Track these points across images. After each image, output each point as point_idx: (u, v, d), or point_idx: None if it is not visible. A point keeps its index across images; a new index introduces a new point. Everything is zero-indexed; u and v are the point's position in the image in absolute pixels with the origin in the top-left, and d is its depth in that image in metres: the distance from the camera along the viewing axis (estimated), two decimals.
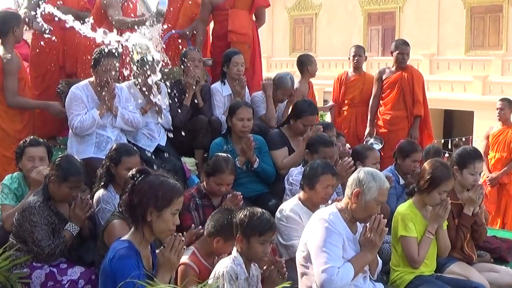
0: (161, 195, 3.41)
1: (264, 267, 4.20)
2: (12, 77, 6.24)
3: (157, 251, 3.67)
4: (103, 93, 5.74)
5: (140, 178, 3.48)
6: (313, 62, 8.43)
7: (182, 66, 6.79)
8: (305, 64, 8.36)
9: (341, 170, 5.42)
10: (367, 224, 4.19)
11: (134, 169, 3.62)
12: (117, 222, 4.36)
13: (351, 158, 5.68)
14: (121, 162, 4.92)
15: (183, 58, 6.79)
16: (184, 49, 7.07)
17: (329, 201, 4.95)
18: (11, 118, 6.35)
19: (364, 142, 8.18)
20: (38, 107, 6.65)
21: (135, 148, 5.22)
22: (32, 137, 5.32)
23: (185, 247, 3.60)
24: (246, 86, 7.12)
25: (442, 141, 20.35)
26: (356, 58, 8.77)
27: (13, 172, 5.24)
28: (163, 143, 6.35)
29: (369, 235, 4.13)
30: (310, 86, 8.49)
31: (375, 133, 8.51)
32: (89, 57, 6.04)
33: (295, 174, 5.63)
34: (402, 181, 6.26)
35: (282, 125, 6.58)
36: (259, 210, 4.14)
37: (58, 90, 6.55)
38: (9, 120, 6.34)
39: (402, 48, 8.36)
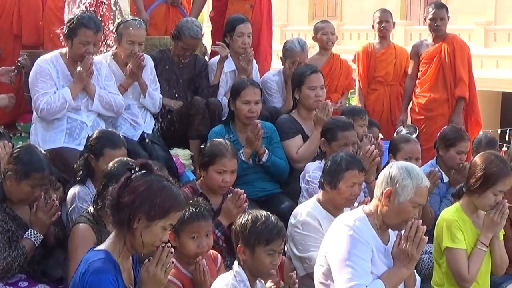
0: (158, 202, 3.38)
1: (270, 286, 4.19)
2: None
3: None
4: (78, 68, 5.74)
5: (139, 174, 3.45)
6: (321, 29, 8.25)
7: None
8: (314, 32, 8.31)
9: (364, 163, 5.39)
10: (402, 232, 4.17)
11: (137, 161, 3.60)
12: (83, 227, 4.39)
13: (373, 146, 5.68)
14: (103, 155, 4.94)
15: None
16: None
17: (355, 203, 4.96)
18: None
19: (395, 133, 8.17)
20: None
21: (122, 137, 5.25)
22: None
23: (174, 260, 3.59)
24: (254, 61, 7.12)
25: (499, 131, 20.25)
26: (383, 25, 8.69)
27: None
28: (149, 130, 6.38)
29: (404, 245, 4.11)
30: (333, 61, 8.33)
31: (409, 120, 8.48)
32: (56, 26, 6.10)
33: (313, 170, 5.63)
34: (445, 178, 6.25)
35: (291, 110, 6.60)
36: (264, 213, 4.14)
37: (18, 64, 6.53)
38: None
39: (435, 12, 8.29)
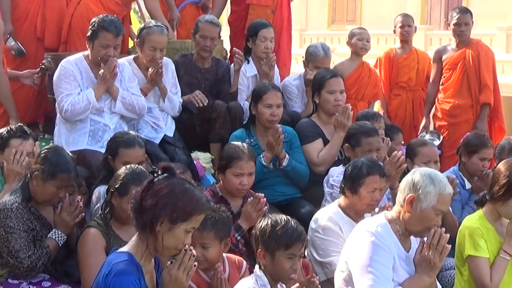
0: (181, 205, 3.39)
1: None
2: None
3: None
4: (102, 69, 5.77)
5: (161, 177, 3.47)
6: (358, 34, 8.14)
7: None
8: (349, 36, 8.24)
9: (390, 169, 5.41)
10: (425, 239, 4.16)
11: (159, 164, 3.62)
12: (93, 232, 4.45)
13: (401, 152, 5.67)
14: (118, 155, 5.04)
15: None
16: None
17: (376, 209, 4.96)
18: None
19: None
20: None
21: (141, 138, 5.31)
22: (18, 125, 5.31)
23: (195, 264, 3.61)
24: (276, 66, 7.12)
25: None
26: (405, 29, 8.65)
27: None
28: (170, 133, 6.39)
29: (426, 253, 4.11)
30: (362, 69, 8.17)
31: (432, 126, 8.45)
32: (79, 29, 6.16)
33: (337, 174, 5.62)
34: (468, 185, 6.24)
35: (311, 114, 6.59)
36: (284, 217, 4.15)
37: (43, 66, 6.58)
38: None
39: (459, 17, 8.23)
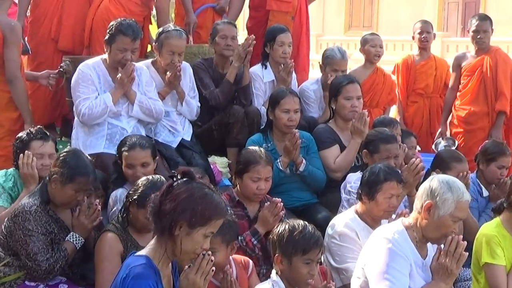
0: (200, 210, 3.40)
1: None
2: (15, 47, 6.32)
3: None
4: (120, 74, 5.79)
5: (180, 182, 3.49)
6: (370, 41, 8.13)
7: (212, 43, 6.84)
8: (362, 43, 8.23)
9: (408, 176, 5.39)
10: (442, 246, 4.15)
11: (179, 169, 3.64)
12: (110, 236, 4.48)
13: (419, 159, 5.65)
14: (123, 157, 5.16)
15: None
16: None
17: (393, 216, 4.94)
18: (5, 105, 6.39)
19: (434, 145, 8.12)
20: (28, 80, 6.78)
21: (145, 140, 5.35)
22: (38, 127, 5.34)
23: (213, 268, 3.62)
24: (294, 72, 7.12)
25: None
26: (423, 36, 8.65)
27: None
28: (187, 137, 6.41)
29: (443, 260, 4.09)
30: (377, 75, 8.17)
31: (448, 133, 8.43)
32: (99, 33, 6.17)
33: (354, 180, 5.61)
34: (485, 193, 6.21)
35: (328, 120, 6.58)
36: (301, 222, 4.17)
37: (61, 69, 6.61)
38: (1, 107, 6.38)
39: (478, 24, 8.18)
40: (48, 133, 5.28)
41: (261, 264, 5.03)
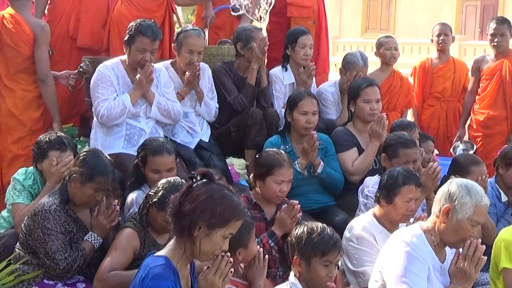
0: (219, 211, 3.41)
1: None
2: (46, 47, 6.40)
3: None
4: (138, 75, 5.80)
5: (200, 183, 3.50)
6: (385, 43, 8.14)
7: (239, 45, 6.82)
8: (377, 46, 8.21)
9: (426, 180, 5.38)
10: (460, 250, 4.14)
11: (198, 170, 3.65)
12: (129, 231, 4.52)
13: (437, 163, 5.63)
14: (147, 163, 5.12)
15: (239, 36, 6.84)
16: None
17: (411, 219, 4.94)
18: (28, 104, 6.43)
19: (452, 149, 8.09)
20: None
21: (170, 144, 5.33)
22: (56, 134, 5.34)
23: (232, 270, 3.63)
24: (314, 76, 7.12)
25: None
26: (441, 38, 8.64)
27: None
28: (206, 139, 6.42)
29: (462, 264, 4.09)
30: (394, 78, 8.16)
31: (467, 136, 8.40)
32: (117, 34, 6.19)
33: (372, 184, 5.59)
34: (504, 198, 6.18)
35: (346, 123, 6.57)
36: (320, 225, 4.18)
37: (81, 70, 6.64)
38: (24, 106, 6.42)
39: (495, 27, 8.13)
40: (66, 142, 5.27)
41: (278, 267, 5.04)
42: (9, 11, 6.40)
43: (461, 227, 4.11)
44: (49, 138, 5.23)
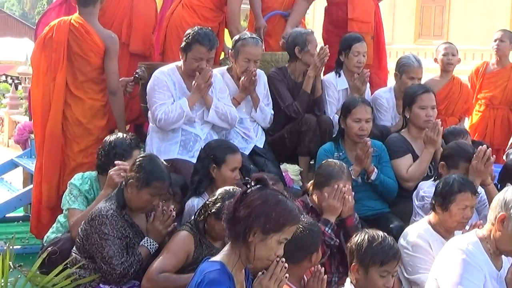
0: (274, 216, 3.42)
1: None
2: (115, 59, 6.40)
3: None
4: (197, 78, 5.81)
5: (254, 189, 3.51)
6: (443, 50, 8.07)
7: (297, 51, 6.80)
8: (436, 53, 8.16)
9: (478, 164, 5.44)
10: None
11: (253, 175, 3.66)
12: (184, 234, 4.54)
13: (485, 146, 5.60)
14: (226, 162, 5.17)
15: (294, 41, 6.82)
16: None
17: (467, 227, 4.90)
18: (96, 113, 6.43)
19: (505, 156, 7.97)
20: None
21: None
22: (133, 135, 5.46)
23: (287, 275, 3.62)
24: (368, 83, 7.09)
25: None
26: (496, 43, 8.56)
27: None
28: (260, 145, 6.43)
29: None
30: (453, 85, 8.06)
31: None
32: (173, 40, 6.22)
33: (428, 186, 5.58)
34: None
35: (401, 129, 6.52)
36: (381, 233, 4.15)
37: (136, 76, 6.68)
38: (92, 115, 6.40)
39: None
40: (135, 146, 5.40)
41: (333, 272, 5.03)
42: (76, 18, 6.36)
43: None
44: (128, 138, 5.38)
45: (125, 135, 5.46)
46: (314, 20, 23.98)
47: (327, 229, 4.96)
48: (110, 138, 5.43)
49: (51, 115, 6.30)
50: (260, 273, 3.63)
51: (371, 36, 7.71)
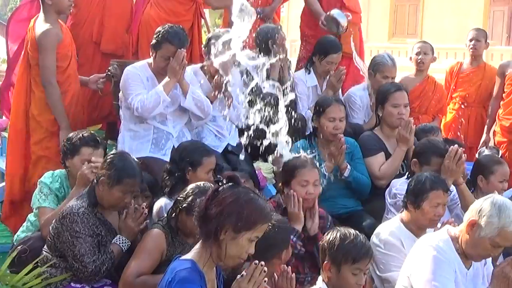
0: (246, 214, 3.41)
1: None
2: (47, 53, 6.29)
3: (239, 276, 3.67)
4: (171, 63, 5.72)
5: (226, 186, 3.50)
6: (416, 48, 8.16)
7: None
8: (411, 52, 8.23)
9: (450, 164, 5.44)
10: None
11: (224, 173, 3.64)
12: (156, 232, 4.50)
13: (456, 145, 5.61)
14: (202, 164, 5.13)
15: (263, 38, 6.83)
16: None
17: (439, 224, 4.92)
18: (45, 106, 6.34)
19: (477, 154, 8.02)
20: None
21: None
22: (88, 133, 5.37)
23: (266, 279, 3.61)
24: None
25: None
26: (472, 43, 8.59)
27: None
28: (233, 143, 6.42)
29: (508, 271, 4.14)
30: (427, 83, 8.11)
31: (492, 142, 8.33)
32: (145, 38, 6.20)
33: (400, 184, 5.60)
34: None
35: (374, 127, 6.54)
36: (353, 231, 4.14)
37: (109, 73, 6.64)
38: (42, 107, 6.35)
39: None
40: (99, 140, 5.31)
41: (307, 272, 5.01)
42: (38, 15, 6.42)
43: (480, 244, 4.10)
44: (82, 135, 5.26)
45: (84, 131, 5.36)
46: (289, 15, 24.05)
47: (293, 237, 4.85)
48: (72, 134, 5.39)
49: (12, 108, 6.47)
50: (239, 276, 3.61)
51: (358, 27, 7.86)
